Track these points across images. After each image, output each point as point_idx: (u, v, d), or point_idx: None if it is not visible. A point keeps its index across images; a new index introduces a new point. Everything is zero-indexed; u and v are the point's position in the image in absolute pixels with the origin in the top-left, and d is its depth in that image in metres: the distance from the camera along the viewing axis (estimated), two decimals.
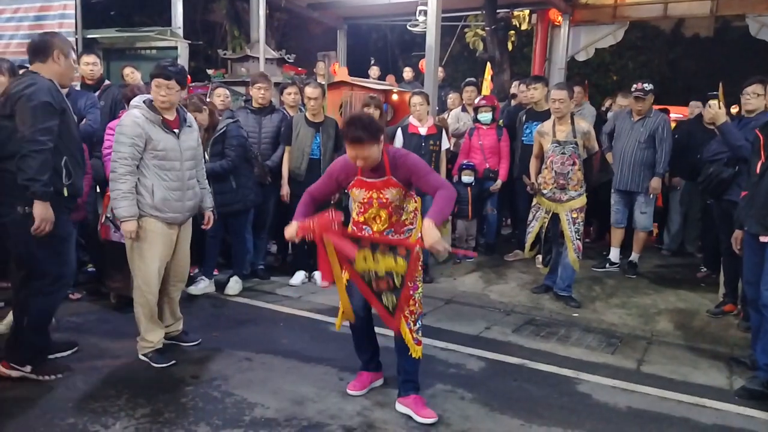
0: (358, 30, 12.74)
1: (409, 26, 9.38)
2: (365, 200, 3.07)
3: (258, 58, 7.24)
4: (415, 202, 3.17)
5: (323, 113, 5.48)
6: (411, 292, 3.05)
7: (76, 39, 5.99)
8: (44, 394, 3.17)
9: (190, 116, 3.72)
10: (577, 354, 4.07)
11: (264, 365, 3.67)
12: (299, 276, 5.42)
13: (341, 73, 7.68)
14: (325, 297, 5.07)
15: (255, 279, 5.44)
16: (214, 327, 4.32)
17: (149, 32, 6.70)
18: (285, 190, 5.31)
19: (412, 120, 5.52)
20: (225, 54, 8.49)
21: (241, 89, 7.07)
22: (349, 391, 3.32)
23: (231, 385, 3.38)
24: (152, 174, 3.45)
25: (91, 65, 5.20)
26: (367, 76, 9.29)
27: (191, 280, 4.98)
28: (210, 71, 8.28)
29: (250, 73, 7.28)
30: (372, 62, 10.32)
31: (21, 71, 4.50)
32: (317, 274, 5.44)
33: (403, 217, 3.10)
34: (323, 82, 6.64)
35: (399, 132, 5.54)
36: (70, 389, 3.24)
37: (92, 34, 6.53)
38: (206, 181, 3.93)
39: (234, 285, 5.08)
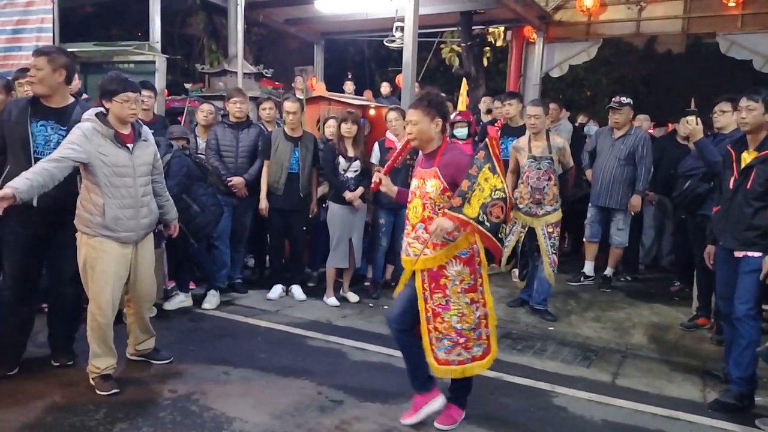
0: (335, 45, 12.81)
1: (386, 42, 9.46)
2: (414, 189, 3.10)
3: (236, 73, 7.24)
4: None
5: (302, 128, 5.51)
6: (437, 308, 3.01)
7: None
8: (21, 409, 3.12)
9: (145, 130, 3.54)
10: (553, 367, 4.12)
11: (242, 379, 3.65)
12: (277, 290, 5.41)
13: (319, 88, 7.70)
14: (302, 311, 5.07)
15: (232, 293, 5.41)
16: (191, 341, 4.29)
17: (127, 46, 6.65)
18: (264, 204, 5.31)
19: (389, 135, 5.57)
20: (203, 68, 8.45)
21: (219, 103, 7.05)
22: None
23: (209, 399, 3.35)
24: (102, 192, 3.24)
25: None
26: (343, 91, 9.34)
27: (167, 295, 4.95)
28: (188, 85, 8.24)
29: (227, 87, 7.26)
30: (348, 77, 10.36)
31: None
32: (295, 288, 5.44)
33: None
34: (301, 97, 6.66)
35: (376, 146, 5.58)
36: (48, 403, 3.20)
37: (70, 48, 6.44)
38: (167, 192, 3.79)
39: (211, 299, 5.05)
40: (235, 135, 5.39)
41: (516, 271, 5.40)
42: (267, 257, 5.94)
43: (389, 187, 3.28)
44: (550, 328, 4.89)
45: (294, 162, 5.30)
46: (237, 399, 3.37)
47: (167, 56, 7.03)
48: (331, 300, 5.30)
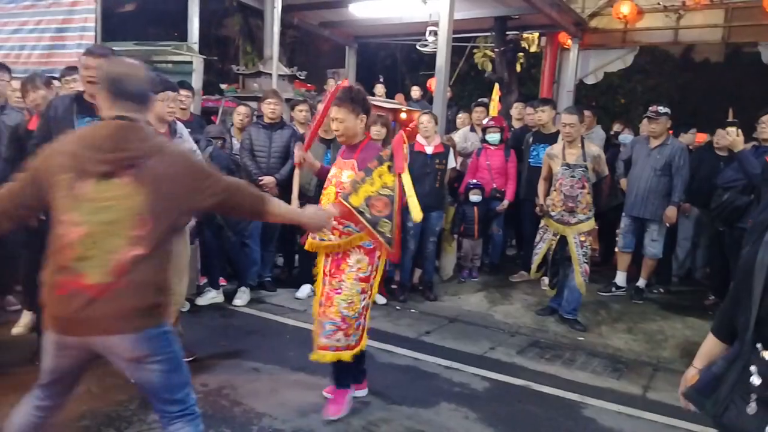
0: (366, 48, 12.86)
1: (419, 46, 9.47)
2: (330, 177, 3.21)
3: (270, 74, 7.33)
4: None
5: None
6: (331, 292, 3.08)
7: None
8: None
9: (180, 127, 3.65)
10: (582, 378, 4.07)
11: (271, 376, 3.70)
12: (305, 289, 5.45)
13: None
14: None
15: (262, 291, 5.48)
16: (222, 336, 4.37)
17: (166, 46, 6.80)
18: (295, 204, 5.34)
19: (419, 138, 5.59)
20: (238, 69, 8.59)
21: (253, 104, 7.16)
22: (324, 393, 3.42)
23: (239, 394, 3.42)
24: None
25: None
26: (373, 94, 9.38)
27: (199, 291, 5.04)
28: (223, 86, 8.37)
29: (262, 88, 7.36)
30: (380, 80, 10.39)
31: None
32: None
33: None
34: None
35: (405, 149, 5.58)
36: (84, 393, 3.25)
37: (111, 47, 6.63)
38: None
39: (242, 296, 5.14)
40: (268, 135, 5.45)
41: (546, 279, 5.35)
42: (296, 256, 5.99)
43: (313, 163, 3.43)
44: (580, 338, 4.84)
45: (326, 164, 5.32)
46: (266, 395, 3.42)
47: (204, 57, 7.16)
48: None
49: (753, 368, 1.62)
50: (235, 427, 3.05)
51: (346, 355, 3.10)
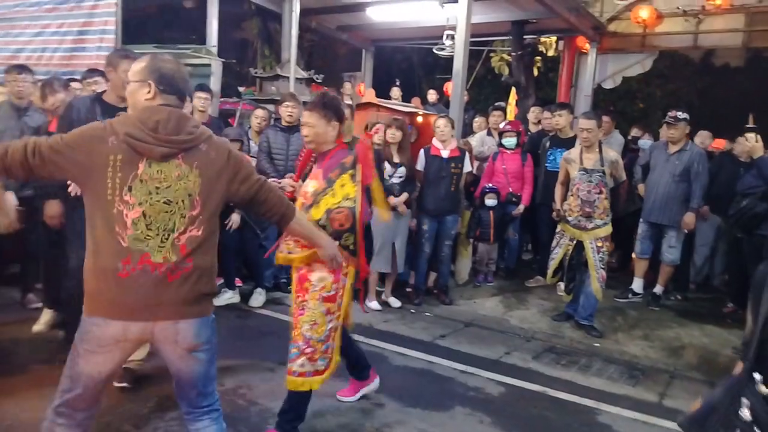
0: (382, 51, 12.88)
1: (436, 50, 9.47)
2: (301, 188, 3.07)
3: (288, 77, 7.38)
4: None
5: (351, 133, 5.57)
6: (295, 311, 2.89)
7: None
8: None
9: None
10: (598, 384, 4.05)
11: None
12: None
13: (368, 94, 7.78)
14: None
15: (277, 292, 5.51)
16: (238, 337, 4.41)
17: (185, 49, 6.87)
18: None
19: (435, 142, 5.59)
20: (256, 72, 8.65)
21: (271, 107, 7.21)
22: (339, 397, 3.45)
23: (255, 394, 3.45)
24: None
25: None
26: (389, 98, 9.39)
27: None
28: (241, 89, 8.44)
29: (279, 91, 7.41)
30: (396, 83, 10.40)
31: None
32: None
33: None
34: (351, 103, 6.74)
35: (422, 153, 5.61)
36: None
37: (131, 49, 6.70)
38: None
39: (257, 297, 5.19)
40: (286, 138, 5.49)
41: (562, 285, 5.32)
42: None
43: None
44: (596, 345, 4.80)
45: None
46: (282, 395, 3.36)
47: (222, 60, 7.22)
48: (373, 304, 5.33)
49: (744, 400, 1.42)
50: (252, 426, 3.08)
51: (316, 383, 2.89)
